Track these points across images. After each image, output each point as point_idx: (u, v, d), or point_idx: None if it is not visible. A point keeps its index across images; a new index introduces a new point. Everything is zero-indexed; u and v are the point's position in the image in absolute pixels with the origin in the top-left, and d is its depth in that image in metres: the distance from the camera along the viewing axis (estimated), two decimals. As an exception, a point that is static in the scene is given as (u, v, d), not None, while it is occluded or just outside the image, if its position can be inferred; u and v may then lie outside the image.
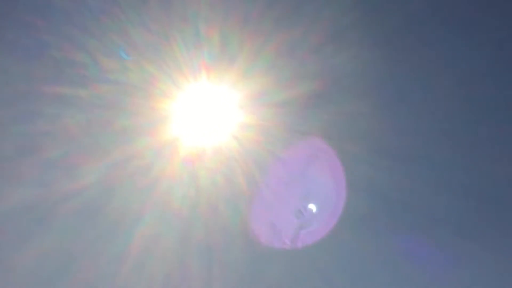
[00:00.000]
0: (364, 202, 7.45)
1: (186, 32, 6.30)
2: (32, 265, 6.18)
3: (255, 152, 6.48)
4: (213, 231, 6.53)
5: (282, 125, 6.52)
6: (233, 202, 6.50)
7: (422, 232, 7.53)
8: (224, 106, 6.44)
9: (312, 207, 6.96)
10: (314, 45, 6.43)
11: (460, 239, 7.49)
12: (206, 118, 6.50)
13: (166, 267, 6.52)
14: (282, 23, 6.37)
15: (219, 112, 6.48)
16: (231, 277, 6.68)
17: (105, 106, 6.31)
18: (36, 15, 6.05)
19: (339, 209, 7.08)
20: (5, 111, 6.12)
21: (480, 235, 7.56)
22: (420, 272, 7.59)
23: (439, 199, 7.48)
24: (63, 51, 6.13)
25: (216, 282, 6.63)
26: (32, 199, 6.19)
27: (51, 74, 6.12)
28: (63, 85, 6.18)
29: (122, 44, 6.13)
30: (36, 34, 6.07)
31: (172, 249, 6.50)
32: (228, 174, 6.47)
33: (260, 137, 6.46)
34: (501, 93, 6.93)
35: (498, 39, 6.74)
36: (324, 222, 6.94)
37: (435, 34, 6.56)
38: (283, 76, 6.43)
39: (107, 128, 6.33)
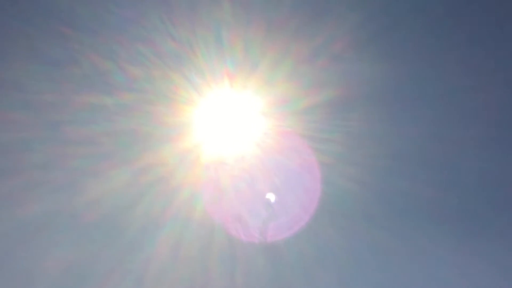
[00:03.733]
0: (379, 206, 7.51)
1: (209, 40, 6.40)
2: (59, 269, 6.26)
3: (278, 159, 6.54)
4: (236, 238, 6.58)
5: (304, 131, 6.59)
6: (256, 208, 6.56)
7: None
8: (246, 113, 6.51)
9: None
10: (336, 53, 6.51)
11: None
12: (229, 125, 6.58)
13: (189, 273, 6.57)
14: (304, 31, 6.46)
15: (241, 119, 6.55)
16: (252, 283, 6.71)
17: (130, 114, 6.41)
18: (64, 24, 6.18)
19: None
20: (33, 120, 6.24)
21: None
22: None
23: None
24: (90, 60, 6.25)
25: (238, 288, 6.66)
26: (60, 205, 6.28)
27: (78, 82, 6.24)
28: (89, 94, 6.30)
29: (148, 53, 6.24)
30: (64, 43, 6.20)
31: (195, 255, 6.55)
32: (251, 181, 6.53)
33: (283, 144, 6.53)
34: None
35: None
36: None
37: (455, 44, 6.63)
38: (305, 83, 6.50)
39: (132, 136, 6.43)
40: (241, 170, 6.58)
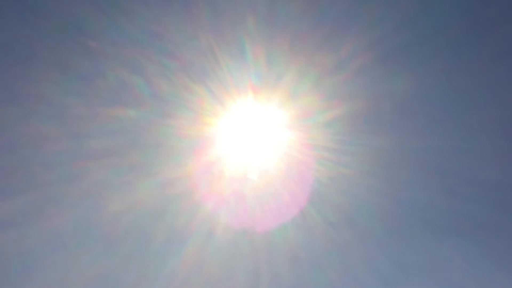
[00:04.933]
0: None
1: (234, 53, 6.42)
2: (84, 281, 6.28)
3: (303, 172, 6.54)
4: (261, 250, 6.57)
5: (328, 144, 6.58)
6: (280, 221, 6.55)
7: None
8: (270, 126, 6.51)
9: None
10: (360, 66, 6.50)
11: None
12: (253, 138, 6.58)
13: (213, 286, 6.57)
14: (328, 43, 6.46)
15: (266, 132, 6.55)
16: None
17: (155, 127, 6.44)
18: (90, 38, 6.22)
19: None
20: (59, 133, 6.28)
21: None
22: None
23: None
24: (115, 73, 6.29)
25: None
26: (84, 218, 6.32)
27: (103, 96, 6.28)
28: (114, 107, 6.33)
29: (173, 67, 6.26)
30: (89, 57, 6.24)
31: (219, 268, 6.55)
32: (275, 193, 6.53)
33: (308, 156, 6.52)
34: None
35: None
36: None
37: (481, 59, 6.60)
38: (330, 96, 6.50)
39: (157, 148, 6.45)
40: (265, 183, 6.58)
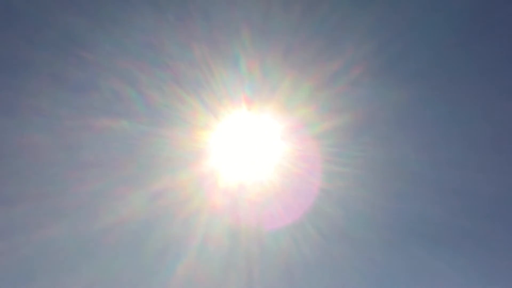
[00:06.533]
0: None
1: (228, 65, 6.45)
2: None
3: (297, 183, 6.54)
4: (255, 262, 6.54)
5: (322, 155, 6.60)
6: (274, 233, 6.54)
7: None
8: (264, 137, 6.53)
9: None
10: (353, 78, 6.54)
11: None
12: (247, 150, 6.58)
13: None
14: (322, 57, 6.50)
15: (259, 143, 6.56)
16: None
17: (149, 138, 6.43)
18: (84, 50, 6.23)
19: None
20: (53, 144, 6.26)
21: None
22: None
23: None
24: (109, 85, 6.29)
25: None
26: (77, 229, 6.27)
27: (97, 107, 6.28)
28: (108, 118, 6.32)
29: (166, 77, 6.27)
30: (84, 68, 6.25)
31: (214, 279, 6.51)
32: (269, 204, 6.53)
33: (302, 168, 6.53)
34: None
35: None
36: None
37: (471, 70, 6.67)
38: (323, 108, 6.53)
39: (150, 160, 6.44)
40: (259, 194, 6.57)
